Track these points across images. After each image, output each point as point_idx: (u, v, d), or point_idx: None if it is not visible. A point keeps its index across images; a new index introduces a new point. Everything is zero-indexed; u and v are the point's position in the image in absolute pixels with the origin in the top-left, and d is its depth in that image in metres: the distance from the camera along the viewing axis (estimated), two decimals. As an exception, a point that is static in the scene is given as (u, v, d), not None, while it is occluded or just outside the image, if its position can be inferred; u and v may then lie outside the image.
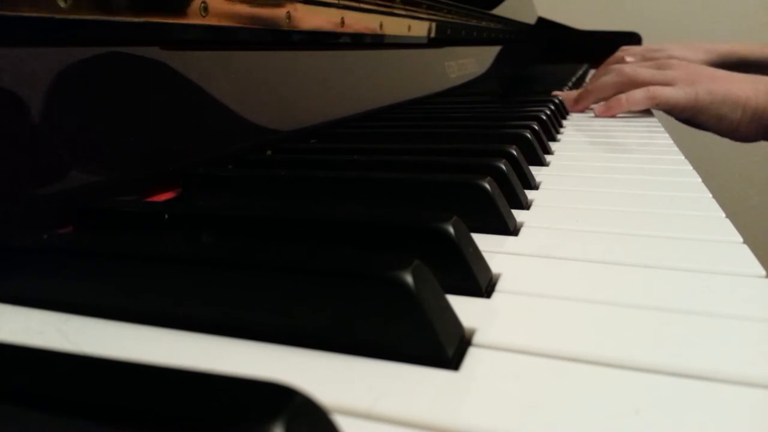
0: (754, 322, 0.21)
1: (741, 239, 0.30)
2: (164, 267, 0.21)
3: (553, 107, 0.72)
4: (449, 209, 0.26)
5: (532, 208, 0.37)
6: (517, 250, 0.29)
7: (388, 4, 0.73)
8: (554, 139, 0.64)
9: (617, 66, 0.90)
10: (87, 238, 0.25)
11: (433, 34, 0.91)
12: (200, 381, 0.13)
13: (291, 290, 0.20)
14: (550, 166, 0.50)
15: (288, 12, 0.51)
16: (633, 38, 1.75)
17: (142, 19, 0.35)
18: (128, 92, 0.34)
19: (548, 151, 0.56)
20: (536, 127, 0.54)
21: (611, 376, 0.18)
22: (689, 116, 0.81)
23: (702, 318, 0.22)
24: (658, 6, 2.03)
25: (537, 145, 0.51)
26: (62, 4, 0.29)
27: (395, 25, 0.76)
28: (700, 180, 0.44)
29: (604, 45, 1.40)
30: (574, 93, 0.92)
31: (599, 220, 0.34)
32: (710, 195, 0.40)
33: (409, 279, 0.18)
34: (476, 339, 0.20)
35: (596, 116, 0.83)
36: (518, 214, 0.35)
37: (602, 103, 0.85)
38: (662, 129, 0.73)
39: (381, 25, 0.71)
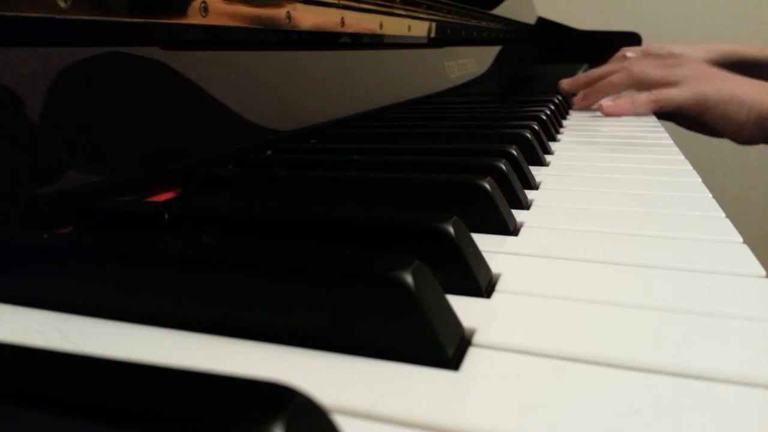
0: (754, 322, 0.21)
1: (741, 239, 0.30)
2: (164, 267, 0.21)
3: (553, 107, 0.72)
4: (449, 209, 0.26)
5: (532, 208, 0.37)
6: (517, 250, 0.29)
7: (388, 4, 0.73)
8: (554, 139, 0.64)
9: (626, 64, 0.90)
10: (87, 238, 0.25)
11: (433, 34, 0.91)
12: (200, 381, 0.13)
13: (291, 290, 0.20)
14: (550, 166, 0.50)
15: (288, 12, 0.51)
16: (633, 38, 1.75)
17: (142, 19, 0.35)
18: (128, 92, 0.34)
19: (548, 151, 0.56)
20: (536, 127, 0.54)
21: (611, 376, 0.18)
22: (695, 115, 0.82)
23: (702, 318, 0.22)
24: (658, 6, 2.03)
25: (537, 145, 0.51)
26: (62, 4, 0.29)
27: (395, 25, 0.76)
28: (700, 180, 0.44)
29: (604, 45, 1.40)
30: (582, 78, 0.93)
31: (599, 220, 0.34)
32: (710, 195, 0.40)
33: (409, 279, 0.18)
34: (476, 339, 0.20)
35: (604, 114, 0.84)
36: (518, 214, 0.35)
37: (609, 99, 0.86)
38: (662, 129, 0.73)
39: (381, 25, 0.71)
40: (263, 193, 0.35)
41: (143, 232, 0.29)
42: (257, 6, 0.46)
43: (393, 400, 0.17)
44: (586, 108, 0.90)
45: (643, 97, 0.82)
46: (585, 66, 1.68)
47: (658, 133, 0.69)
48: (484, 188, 0.31)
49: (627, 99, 0.83)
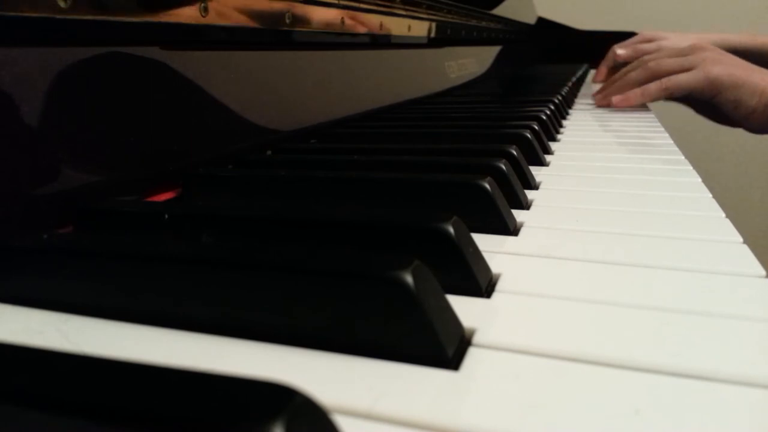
0: (754, 322, 0.21)
1: (741, 239, 0.30)
2: (164, 267, 0.21)
3: (553, 107, 0.72)
4: (449, 209, 0.26)
5: (532, 208, 0.37)
6: (517, 250, 0.29)
7: (388, 4, 0.73)
8: (554, 139, 0.64)
9: (643, 59, 0.93)
10: (87, 238, 0.25)
11: (433, 34, 0.91)
12: (200, 381, 0.13)
13: (291, 290, 0.20)
14: (550, 166, 0.50)
15: (288, 12, 0.51)
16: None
17: (142, 19, 0.35)
18: (128, 92, 0.34)
19: (548, 151, 0.56)
20: (536, 127, 0.54)
21: (611, 376, 0.18)
22: (707, 98, 0.83)
23: (702, 318, 0.22)
24: (658, 6, 2.03)
25: (537, 145, 0.51)
26: (62, 4, 0.29)
27: (395, 25, 0.76)
28: (700, 180, 0.44)
29: (604, 45, 1.40)
30: (603, 70, 0.96)
31: (599, 220, 0.34)
32: (710, 195, 0.40)
33: (409, 279, 0.18)
34: (476, 339, 0.20)
35: (614, 106, 0.86)
36: (518, 214, 0.35)
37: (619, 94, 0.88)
38: (662, 128, 0.73)
39: (381, 25, 0.71)
40: (263, 193, 0.35)
41: (143, 232, 0.29)
42: (257, 6, 0.46)
43: (393, 400, 0.17)
44: (607, 106, 0.91)
45: (653, 86, 0.83)
46: (585, 66, 1.68)
47: (658, 133, 0.69)
48: (484, 188, 0.31)
49: (636, 92, 0.84)
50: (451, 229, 0.24)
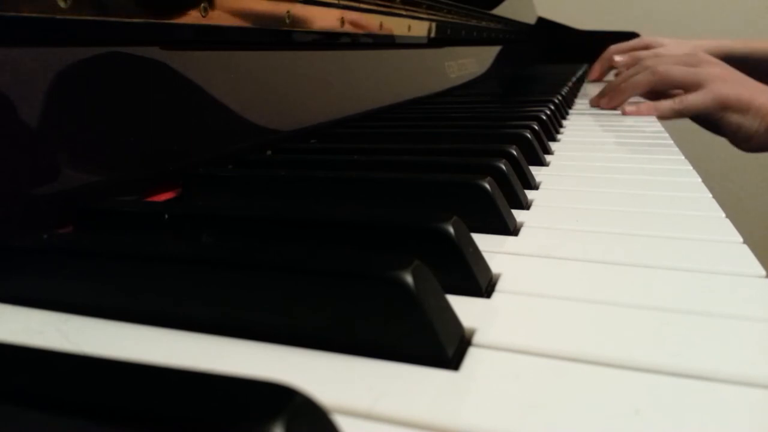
0: (754, 322, 0.21)
1: (741, 239, 0.30)
2: (164, 267, 0.21)
3: (553, 107, 0.72)
4: (449, 209, 0.26)
5: (532, 208, 0.37)
6: (517, 250, 0.29)
7: (388, 4, 0.73)
8: (554, 139, 0.64)
9: (651, 62, 0.93)
10: (87, 238, 0.25)
11: (433, 34, 0.91)
12: (200, 381, 0.13)
13: (291, 290, 0.20)
14: (550, 166, 0.50)
15: (288, 12, 0.51)
16: (633, 38, 1.75)
17: (142, 20, 0.35)
18: (128, 92, 0.34)
19: (548, 151, 0.56)
20: (536, 127, 0.54)
21: (611, 376, 0.18)
22: (712, 117, 0.84)
23: (702, 318, 0.22)
24: (658, 6, 2.03)
25: (537, 145, 0.51)
26: (62, 4, 0.29)
27: (395, 25, 0.76)
28: (700, 180, 0.44)
29: (604, 45, 1.40)
30: (597, 69, 0.96)
31: (599, 220, 0.34)
32: (710, 195, 0.40)
33: (409, 279, 0.18)
34: (476, 339, 0.20)
35: (624, 114, 0.87)
36: (518, 214, 0.35)
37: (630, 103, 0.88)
38: (662, 129, 0.73)
39: (381, 25, 0.71)
40: (263, 193, 0.35)
41: (143, 232, 0.29)
42: (257, 6, 0.46)
43: (393, 400, 0.17)
44: (612, 108, 0.91)
45: (666, 106, 0.84)
46: (585, 66, 1.68)
47: (658, 133, 0.69)
48: (484, 188, 0.31)
49: (650, 106, 0.85)
50: (451, 229, 0.24)
